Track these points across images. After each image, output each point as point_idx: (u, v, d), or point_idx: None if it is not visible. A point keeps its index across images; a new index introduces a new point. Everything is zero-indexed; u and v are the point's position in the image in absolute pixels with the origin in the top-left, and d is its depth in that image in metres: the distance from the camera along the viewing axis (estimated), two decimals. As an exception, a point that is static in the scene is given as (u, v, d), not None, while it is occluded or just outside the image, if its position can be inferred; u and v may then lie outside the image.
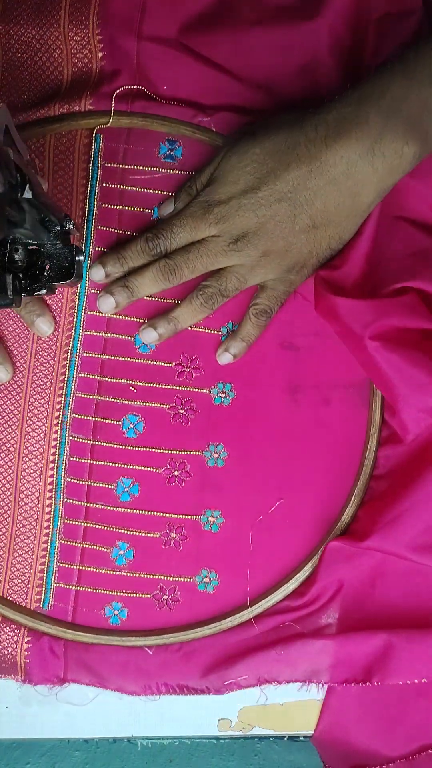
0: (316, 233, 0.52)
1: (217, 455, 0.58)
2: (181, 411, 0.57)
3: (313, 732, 0.58)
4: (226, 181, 0.52)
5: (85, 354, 0.57)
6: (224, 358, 0.57)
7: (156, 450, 0.57)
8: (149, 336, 0.55)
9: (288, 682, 0.56)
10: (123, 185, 0.57)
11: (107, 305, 0.55)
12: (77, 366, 0.57)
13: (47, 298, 0.57)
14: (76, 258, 0.47)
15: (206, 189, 0.53)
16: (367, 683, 0.55)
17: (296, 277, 0.55)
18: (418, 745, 0.57)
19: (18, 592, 0.57)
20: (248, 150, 0.52)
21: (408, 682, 0.54)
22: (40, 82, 0.57)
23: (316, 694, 0.57)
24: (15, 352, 0.57)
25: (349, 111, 0.50)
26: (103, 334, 0.57)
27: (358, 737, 0.57)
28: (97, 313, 0.56)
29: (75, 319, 0.57)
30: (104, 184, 0.57)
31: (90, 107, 0.56)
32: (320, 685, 0.56)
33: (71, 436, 0.57)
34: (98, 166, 0.57)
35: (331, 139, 0.50)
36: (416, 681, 0.54)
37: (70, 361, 0.57)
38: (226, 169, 0.52)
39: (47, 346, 0.57)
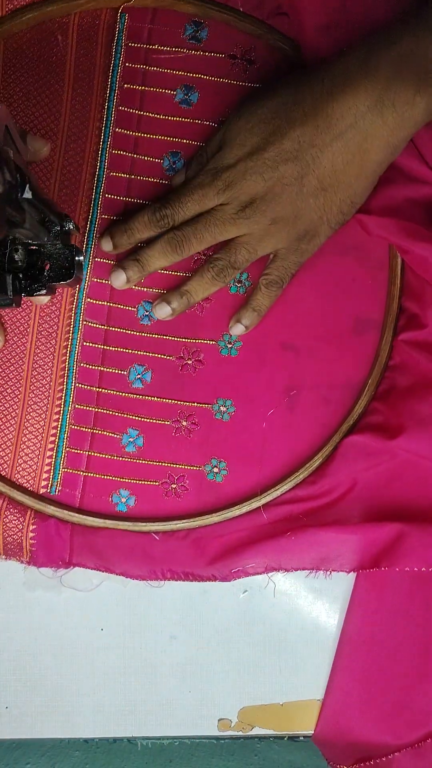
0: (326, 196, 0.51)
1: (231, 345, 0.57)
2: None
3: (313, 732, 0.57)
4: (233, 145, 0.51)
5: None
6: (237, 329, 0.56)
7: (170, 338, 0.57)
8: (163, 311, 0.55)
9: (295, 569, 0.55)
10: (146, 65, 0.56)
11: (119, 280, 0.54)
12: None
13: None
14: (76, 258, 0.47)
15: (215, 156, 0.52)
16: (375, 569, 0.54)
17: (308, 246, 0.53)
18: (423, 732, 0.55)
19: (26, 477, 0.57)
20: (255, 110, 0.51)
21: (416, 569, 0.53)
22: None
23: (316, 694, 0.57)
24: None
25: (357, 61, 0.48)
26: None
27: (362, 728, 0.56)
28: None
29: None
30: (127, 64, 0.56)
31: None
32: (328, 573, 0.55)
33: (85, 320, 0.57)
34: (122, 45, 0.56)
35: (338, 90, 0.48)
36: (424, 569, 0.53)
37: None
38: (233, 132, 0.51)
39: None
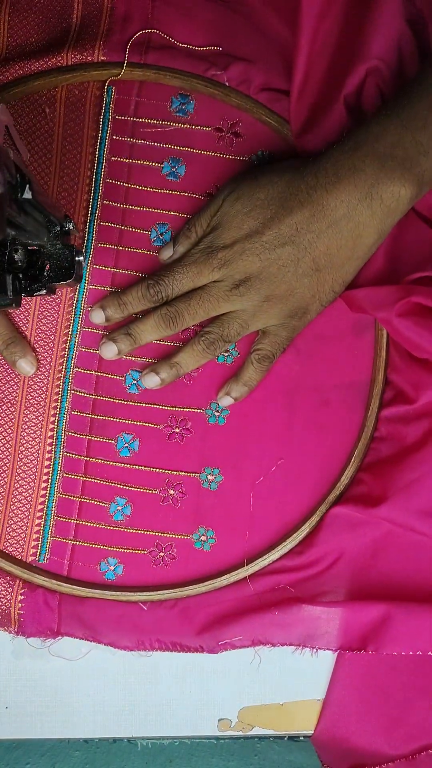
0: (319, 276, 0.53)
1: (218, 413, 0.57)
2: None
3: (313, 732, 0.58)
4: (230, 226, 0.52)
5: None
6: (225, 401, 0.56)
7: (158, 406, 0.57)
8: (152, 381, 0.55)
9: (282, 645, 0.55)
10: (133, 138, 0.57)
11: (110, 352, 0.55)
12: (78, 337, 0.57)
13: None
14: (76, 258, 0.47)
15: (209, 235, 0.53)
16: (362, 651, 0.54)
17: (298, 323, 0.55)
18: (418, 745, 0.56)
19: (14, 545, 0.57)
20: (252, 195, 0.52)
21: (403, 653, 0.54)
22: (50, 23, 0.56)
23: (316, 694, 0.58)
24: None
25: (345, 158, 0.50)
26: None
27: (359, 736, 0.57)
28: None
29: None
30: (114, 137, 0.57)
31: (103, 58, 0.56)
32: (314, 650, 0.55)
33: (73, 389, 0.57)
34: (109, 119, 0.57)
35: (330, 185, 0.50)
36: (411, 653, 0.54)
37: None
38: (230, 215, 0.53)
39: (49, 314, 0.57)
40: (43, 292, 0.47)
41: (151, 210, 0.57)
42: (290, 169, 0.52)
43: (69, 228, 0.47)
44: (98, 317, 0.55)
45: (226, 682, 0.58)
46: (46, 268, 0.47)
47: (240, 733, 0.58)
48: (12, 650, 0.58)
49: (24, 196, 0.40)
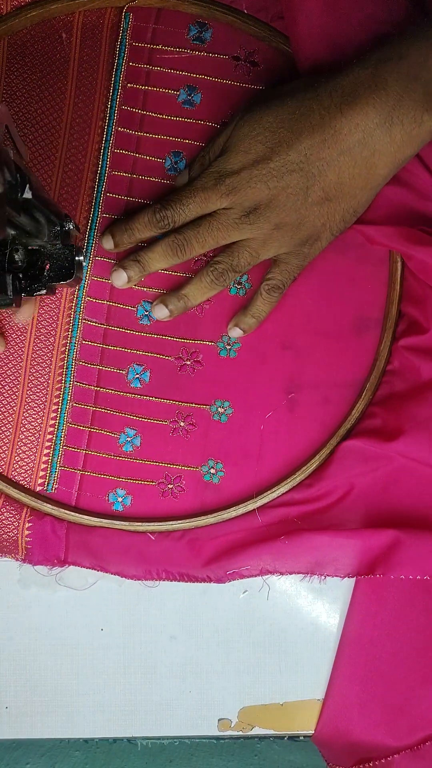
0: (330, 206, 0.51)
1: (229, 346, 0.57)
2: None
3: (313, 732, 0.57)
4: (237, 151, 0.51)
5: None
6: (235, 332, 0.56)
7: (169, 338, 0.57)
8: (161, 312, 0.55)
9: (290, 573, 0.55)
10: (149, 65, 0.56)
11: (120, 280, 0.54)
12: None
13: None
14: (76, 258, 0.47)
15: (218, 159, 0.52)
16: (370, 576, 0.54)
17: (309, 250, 0.53)
18: (423, 735, 0.56)
19: (22, 474, 0.56)
20: (261, 118, 0.50)
21: (411, 577, 0.53)
22: None
23: (316, 693, 0.57)
24: None
25: (366, 75, 0.47)
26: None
27: (361, 730, 0.56)
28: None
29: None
30: (131, 64, 0.56)
31: None
32: (322, 577, 0.55)
33: (84, 319, 0.56)
34: (126, 45, 0.56)
35: (346, 105, 0.47)
36: (419, 577, 0.53)
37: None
38: (238, 138, 0.51)
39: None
40: (43, 292, 0.47)
41: (166, 138, 0.56)
42: (303, 87, 0.50)
43: (69, 228, 0.47)
44: (107, 243, 0.54)
45: (226, 682, 0.58)
46: (46, 268, 0.47)
47: (240, 733, 0.58)
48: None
49: (24, 196, 0.40)
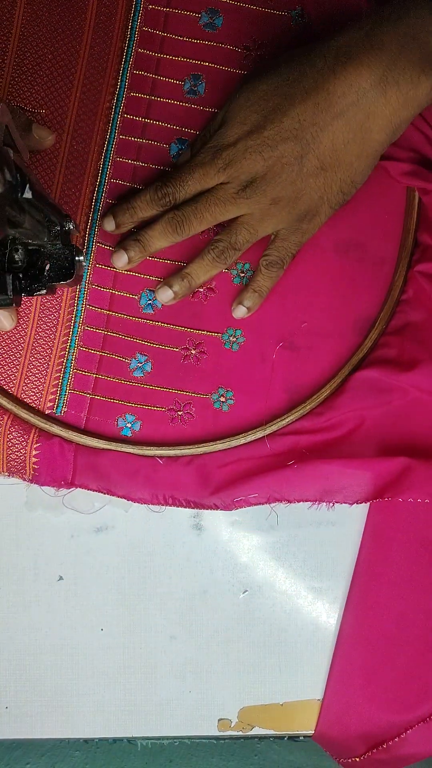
0: (326, 176, 0.50)
1: (243, 274, 0.56)
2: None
3: (313, 732, 0.57)
4: (234, 123, 0.50)
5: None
6: (239, 311, 0.55)
7: (181, 264, 0.56)
8: (165, 295, 0.54)
9: (298, 501, 0.55)
10: (160, 53, 0.56)
11: (121, 260, 0.54)
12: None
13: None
14: (76, 258, 0.47)
15: (216, 133, 0.51)
16: (378, 499, 0.54)
17: (308, 226, 0.53)
18: None
19: (31, 396, 0.56)
20: (256, 87, 0.49)
21: (419, 500, 0.53)
22: None
23: (316, 694, 0.58)
24: None
25: (361, 35, 0.46)
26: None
27: (368, 711, 0.55)
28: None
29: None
30: (140, 50, 0.56)
31: None
32: (331, 505, 0.55)
33: (98, 242, 0.56)
34: (136, 31, 0.56)
35: (340, 66, 0.46)
36: (428, 501, 0.54)
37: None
38: (234, 110, 0.50)
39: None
40: (43, 291, 0.47)
41: (172, 126, 0.56)
42: (298, 53, 0.49)
43: (69, 228, 0.46)
44: (109, 224, 0.54)
45: (226, 682, 0.58)
46: (46, 268, 0.47)
47: (240, 733, 0.58)
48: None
49: (24, 196, 0.40)
